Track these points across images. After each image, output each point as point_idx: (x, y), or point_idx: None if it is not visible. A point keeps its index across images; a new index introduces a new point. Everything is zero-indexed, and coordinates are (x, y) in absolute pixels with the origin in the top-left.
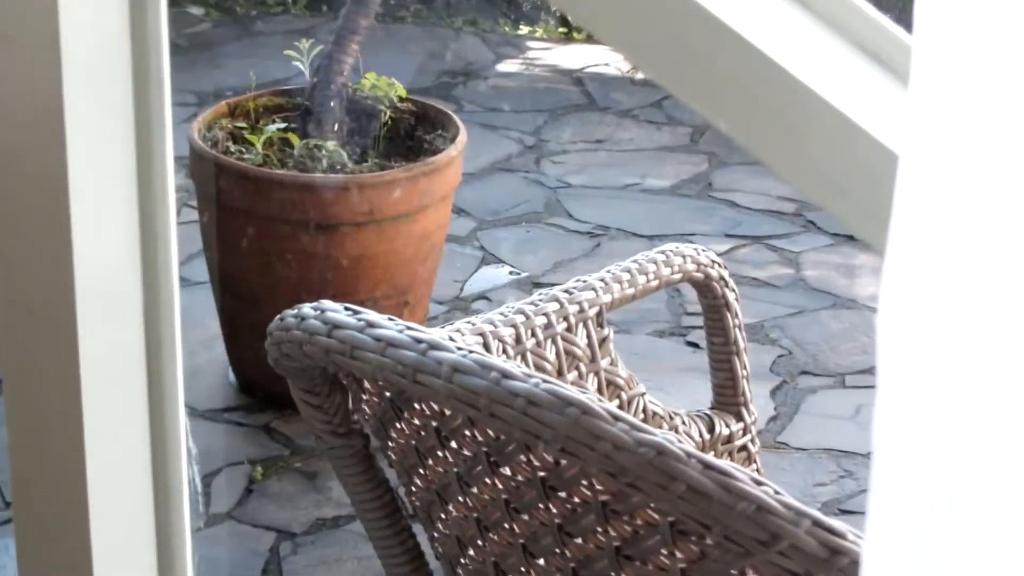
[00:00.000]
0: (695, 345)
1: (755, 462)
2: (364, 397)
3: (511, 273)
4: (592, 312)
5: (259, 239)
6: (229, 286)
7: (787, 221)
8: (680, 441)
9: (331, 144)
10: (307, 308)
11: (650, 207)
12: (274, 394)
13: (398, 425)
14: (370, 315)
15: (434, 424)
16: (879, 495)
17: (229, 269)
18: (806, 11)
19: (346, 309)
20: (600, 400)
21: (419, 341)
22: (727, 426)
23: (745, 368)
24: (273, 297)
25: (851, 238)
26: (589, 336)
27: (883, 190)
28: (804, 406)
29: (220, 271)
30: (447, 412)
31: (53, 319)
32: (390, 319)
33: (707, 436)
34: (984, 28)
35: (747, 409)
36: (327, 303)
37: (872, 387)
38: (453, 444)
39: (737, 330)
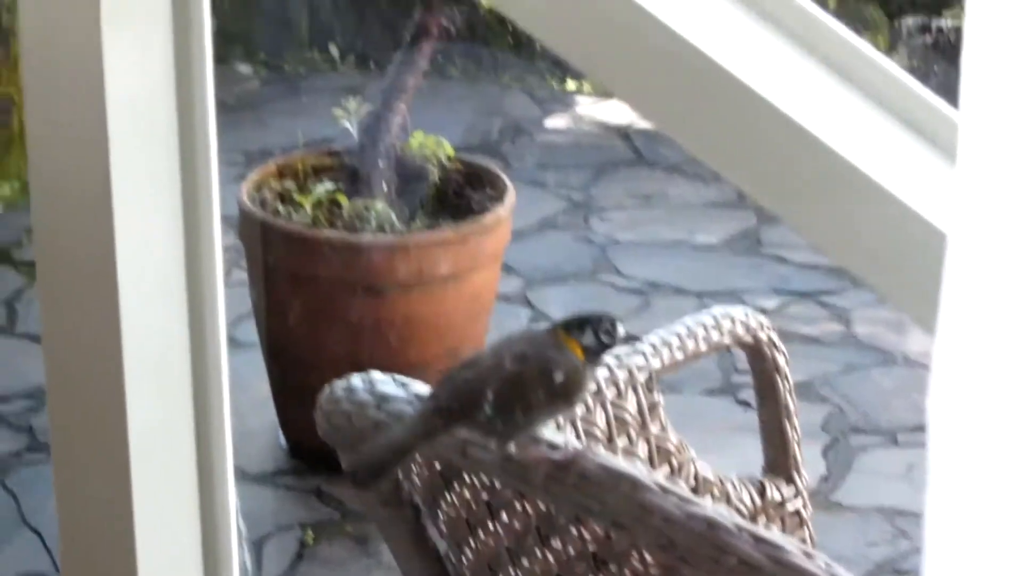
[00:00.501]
0: (746, 404)
1: (807, 526)
2: (414, 468)
3: None
4: (642, 377)
5: (309, 301)
6: (278, 348)
7: (836, 276)
8: (731, 513)
9: (380, 204)
10: (356, 380)
11: (699, 263)
12: (325, 457)
13: (448, 496)
14: (419, 387)
15: (484, 496)
16: (933, 563)
17: (278, 331)
18: (851, 86)
19: (395, 380)
20: (650, 472)
21: None
22: (778, 491)
23: (796, 432)
24: (323, 360)
25: None
26: (639, 402)
27: (929, 267)
28: (856, 464)
29: (269, 333)
30: (497, 484)
31: (101, 385)
32: None
33: (759, 501)
34: None
35: (799, 473)
36: (376, 374)
37: (924, 445)
38: (503, 516)
39: (788, 394)
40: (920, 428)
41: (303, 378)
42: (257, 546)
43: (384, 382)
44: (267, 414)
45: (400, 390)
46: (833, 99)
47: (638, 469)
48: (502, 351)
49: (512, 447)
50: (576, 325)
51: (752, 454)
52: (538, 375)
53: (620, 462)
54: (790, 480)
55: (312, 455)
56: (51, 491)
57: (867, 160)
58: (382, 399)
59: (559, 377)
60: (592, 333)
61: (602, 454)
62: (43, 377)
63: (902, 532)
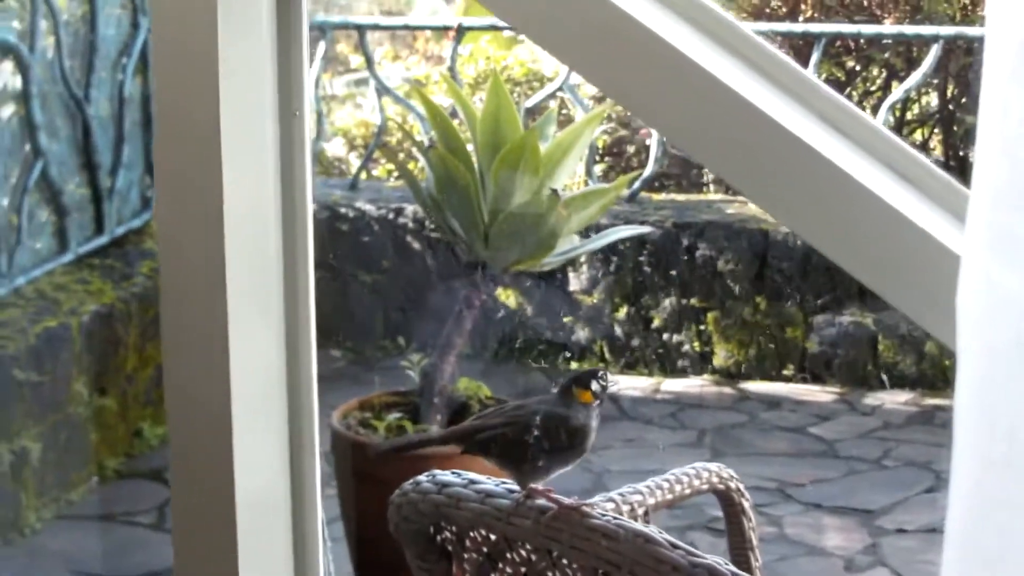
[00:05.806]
0: None
1: None
2: (465, 556)
3: None
4: (640, 511)
5: (379, 494)
6: (359, 529)
7: (771, 494)
8: (727, 564)
9: (435, 429)
10: (421, 476)
11: None
12: None
13: (493, 575)
14: (471, 475)
15: (523, 570)
16: None
17: (358, 516)
18: (871, 158)
19: (453, 473)
20: (660, 532)
21: (512, 491)
22: None
23: (758, 560)
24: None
25: (819, 506)
26: None
27: (945, 284)
28: None
29: (351, 518)
30: (534, 558)
31: (216, 527)
32: (488, 478)
33: None
34: None
35: None
36: (438, 471)
37: None
38: None
39: (751, 531)
40: None
41: (376, 551)
42: None
43: (444, 474)
44: None
45: (457, 478)
46: (856, 161)
47: (651, 528)
48: (527, 405)
49: (526, 493)
50: (584, 381)
51: None
52: (558, 425)
53: (637, 524)
54: None
55: None
56: None
57: (896, 197)
58: (443, 485)
59: (576, 422)
60: (596, 382)
61: (620, 518)
62: None
63: None
